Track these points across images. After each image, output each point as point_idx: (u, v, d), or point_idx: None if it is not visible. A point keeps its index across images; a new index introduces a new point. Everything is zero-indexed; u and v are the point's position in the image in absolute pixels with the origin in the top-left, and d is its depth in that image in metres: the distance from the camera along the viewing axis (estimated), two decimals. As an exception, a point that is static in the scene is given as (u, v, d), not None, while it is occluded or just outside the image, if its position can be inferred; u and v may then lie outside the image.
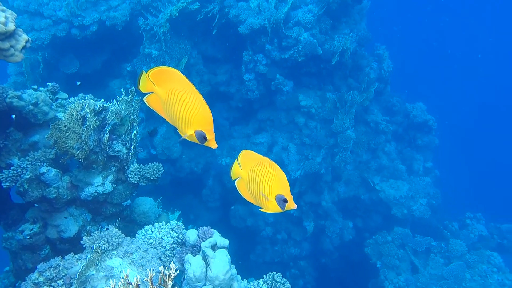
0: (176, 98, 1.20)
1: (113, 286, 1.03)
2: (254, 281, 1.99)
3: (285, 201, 1.31)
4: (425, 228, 5.68)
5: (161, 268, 1.11)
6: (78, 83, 3.70)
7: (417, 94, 7.89)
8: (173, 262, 1.98)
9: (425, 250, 5.15)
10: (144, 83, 1.25)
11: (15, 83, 4.95)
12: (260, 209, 1.40)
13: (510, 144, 13.79)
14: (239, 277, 1.89)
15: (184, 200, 5.98)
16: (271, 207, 1.35)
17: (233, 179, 1.45)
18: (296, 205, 1.33)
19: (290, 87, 5.50)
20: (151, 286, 1.04)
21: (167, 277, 1.05)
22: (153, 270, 1.56)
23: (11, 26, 1.70)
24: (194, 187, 5.89)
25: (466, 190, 10.01)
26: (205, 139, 1.23)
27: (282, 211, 1.34)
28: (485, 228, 5.50)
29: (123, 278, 1.03)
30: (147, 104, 1.28)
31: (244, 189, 1.42)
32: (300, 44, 5.01)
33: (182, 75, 1.21)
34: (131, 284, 1.05)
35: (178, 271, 1.14)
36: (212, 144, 1.26)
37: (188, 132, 1.23)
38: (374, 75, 5.91)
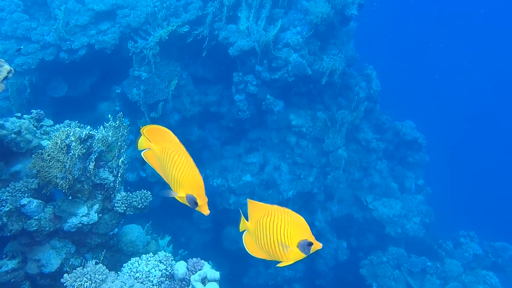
0: (169, 157, 1.21)
1: None
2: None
3: (310, 244, 1.19)
4: (420, 247, 5.63)
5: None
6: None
7: (406, 112, 8.00)
8: (160, 298, 1.89)
9: (420, 271, 5.08)
10: (142, 140, 1.28)
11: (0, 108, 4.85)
12: (278, 265, 1.24)
13: (501, 159, 14.01)
14: (230, 313, 1.80)
15: (175, 222, 5.85)
16: (292, 256, 1.20)
17: (240, 231, 1.34)
18: (321, 244, 1.22)
19: (281, 107, 5.52)
20: None
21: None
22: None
23: (-8, 56, 1.66)
24: (185, 209, 5.76)
25: (458, 207, 10.04)
26: (196, 204, 1.20)
27: (305, 256, 1.21)
28: (479, 247, 5.47)
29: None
30: (145, 160, 1.29)
31: (251, 244, 1.29)
32: (290, 65, 5.06)
33: (173, 135, 1.22)
34: None
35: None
36: (204, 209, 1.21)
37: (179, 194, 1.21)
38: (363, 94, 5.98)
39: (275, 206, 1.21)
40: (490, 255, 5.36)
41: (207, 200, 1.21)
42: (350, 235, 5.87)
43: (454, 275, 4.90)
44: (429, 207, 5.98)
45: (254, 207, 1.26)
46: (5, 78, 1.70)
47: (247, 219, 1.32)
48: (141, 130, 1.29)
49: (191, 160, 1.19)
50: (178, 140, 1.21)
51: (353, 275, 5.50)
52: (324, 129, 5.55)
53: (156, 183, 5.35)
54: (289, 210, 1.19)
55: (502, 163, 13.92)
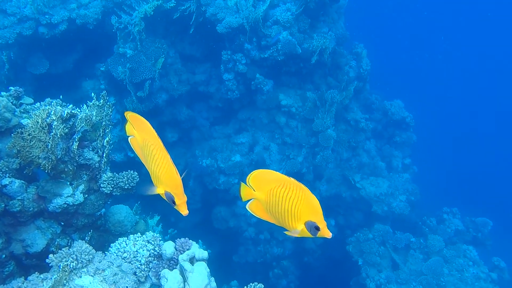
0: (148, 150, 1.19)
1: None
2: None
3: (317, 228, 1.17)
4: (405, 224, 5.79)
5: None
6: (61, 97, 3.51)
7: (395, 92, 8.03)
8: (149, 277, 1.89)
9: (404, 247, 5.25)
10: (128, 124, 1.28)
11: (-22, 85, 4.65)
12: (286, 232, 1.24)
13: (485, 138, 14.35)
14: (218, 290, 1.82)
15: (165, 202, 5.83)
16: (300, 232, 1.20)
17: (243, 200, 1.31)
18: (331, 234, 1.19)
19: (270, 87, 5.45)
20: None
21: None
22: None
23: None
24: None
25: (443, 185, 10.32)
26: (174, 203, 1.18)
27: (312, 236, 1.20)
28: (461, 222, 5.67)
29: None
30: (131, 145, 1.29)
31: (260, 211, 1.27)
32: (279, 43, 4.96)
33: (151, 127, 1.21)
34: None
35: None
36: (182, 209, 1.19)
37: (158, 190, 1.20)
38: (353, 74, 5.94)
39: (292, 179, 1.19)
40: (471, 230, 5.57)
41: (185, 199, 1.20)
42: (338, 214, 5.99)
43: (436, 250, 5.08)
44: (415, 185, 6.11)
45: (266, 176, 1.23)
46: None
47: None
48: (125, 114, 1.29)
49: (168, 156, 1.18)
50: (155, 133, 1.20)
51: (340, 252, 5.65)
52: (314, 109, 5.53)
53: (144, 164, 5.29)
54: (306, 189, 1.17)
55: (488, 141, 14.28)
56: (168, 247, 1.90)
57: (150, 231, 2.28)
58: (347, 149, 5.98)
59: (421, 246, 5.21)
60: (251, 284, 1.93)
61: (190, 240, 2.00)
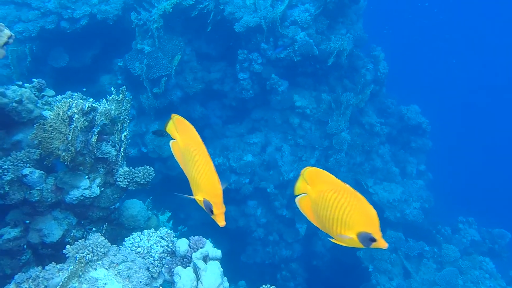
0: (190, 156, 1.15)
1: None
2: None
3: (373, 240, 1.10)
4: (418, 231, 5.68)
5: None
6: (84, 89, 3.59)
7: (412, 97, 7.89)
8: (162, 273, 1.89)
9: (417, 255, 5.14)
10: (170, 126, 1.24)
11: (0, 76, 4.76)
12: (331, 239, 1.18)
13: (504, 148, 13.96)
14: (231, 290, 1.81)
15: (175, 198, 5.87)
16: (349, 241, 1.13)
17: (295, 194, 1.25)
18: (387, 244, 1.12)
19: (285, 87, 5.42)
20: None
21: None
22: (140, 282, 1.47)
23: (-9, 20, 1.58)
24: (186, 185, 5.77)
25: (458, 193, 10.09)
26: (212, 212, 1.14)
27: (363, 247, 1.13)
28: (477, 233, 5.52)
29: None
30: (171, 148, 1.25)
31: (308, 209, 1.22)
32: (296, 44, 4.93)
33: (196, 133, 1.17)
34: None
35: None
36: (219, 219, 1.15)
37: (197, 196, 1.16)
38: (370, 77, 5.86)
39: (347, 186, 1.12)
40: (487, 241, 5.42)
41: (224, 210, 1.16)
42: (348, 218, 5.90)
43: (450, 260, 4.96)
44: (429, 193, 5.99)
45: (321, 175, 1.17)
46: (6, 43, 1.62)
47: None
48: (172, 117, 1.25)
49: (211, 164, 1.14)
50: (200, 139, 1.16)
51: (350, 257, 5.58)
52: (328, 111, 5.48)
53: (156, 159, 5.33)
54: (362, 197, 1.10)
55: (505, 152, 13.90)
56: (182, 244, 1.90)
57: (164, 228, 2.29)
58: (361, 153, 5.90)
59: (435, 255, 5.09)
60: (263, 286, 1.91)
61: (204, 239, 1.99)
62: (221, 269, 1.76)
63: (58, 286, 1.54)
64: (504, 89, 17.03)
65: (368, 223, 1.10)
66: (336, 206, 1.11)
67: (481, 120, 15.36)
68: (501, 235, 5.48)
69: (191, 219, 5.87)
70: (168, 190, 5.76)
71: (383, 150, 6.14)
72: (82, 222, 2.46)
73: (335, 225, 1.12)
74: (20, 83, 2.43)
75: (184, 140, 1.20)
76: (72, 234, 2.28)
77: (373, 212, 1.10)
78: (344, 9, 5.28)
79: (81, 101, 2.25)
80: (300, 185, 1.23)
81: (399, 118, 6.45)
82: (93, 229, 2.40)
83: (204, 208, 1.16)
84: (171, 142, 1.25)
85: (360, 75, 5.68)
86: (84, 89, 2.47)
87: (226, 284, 1.75)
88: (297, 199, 1.24)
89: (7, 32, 1.63)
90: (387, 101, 6.47)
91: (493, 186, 11.81)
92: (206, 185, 1.13)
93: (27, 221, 2.23)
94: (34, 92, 2.46)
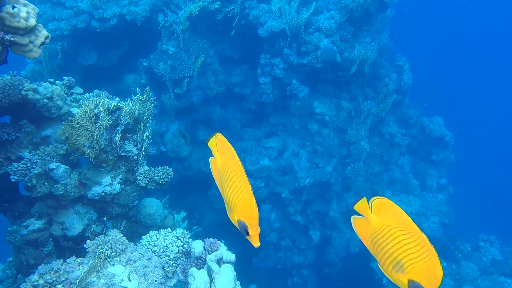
0: (228, 177, 1.19)
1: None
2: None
3: None
4: (436, 247, 5.50)
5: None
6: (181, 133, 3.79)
7: (436, 108, 7.68)
8: (176, 273, 1.93)
9: (433, 271, 4.98)
10: (212, 142, 1.28)
11: (32, 71, 4.98)
12: (379, 265, 1.15)
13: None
14: (243, 295, 1.82)
15: (190, 198, 5.95)
16: (398, 282, 1.09)
17: (354, 208, 1.23)
18: None
19: (306, 93, 5.40)
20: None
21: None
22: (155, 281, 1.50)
23: (32, 22, 1.66)
24: (201, 186, 5.86)
25: (481, 210, 9.72)
26: (247, 233, 1.15)
27: None
28: (499, 252, 5.31)
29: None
30: (210, 165, 1.29)
31: (363, 232, 1.19)
32: (319, 51, 4.91)
33: (236, 154, 1.20)
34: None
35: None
36: (254, 241, 1.15)
37: (232, 217, 1.19)
38: (392, 86, 5.76)
39: (423, 234, 1.07)
40: (510, 261, 5.20)
41: (259, 231, 1.17)
42: (363, 228, 5.81)
43: (469, 278, 4.78)
44: (450, 208, 5.81)
45: (392, 210, 1.13)
46: (42, 43, 1.71)
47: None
48: (215, 136, 1.29)
49: (249, 187, 1.16)
50: (239, 161, 1.19)
51: (363, 268, 5.48)
52: (348, 119, 5.42)
53: (174, 159, 5.42)
54: (435, 253, 1.04)
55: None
56: (197, 246, 1.93)
57: (180, 228, 2.33)
58: (379, 163, 5.81)
59: (453, 273, 4.92)
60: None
61: (219, 241, 2.01)
62: (235, 273, 1.78)
63: (78, 280, 1.59)
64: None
65: (428, 280, 1.05)
66: (401, 247, 1.07)
67: (508, 136, 14.77)
68: (525, 256, 5.25)
69: (205, 219, 5.92)
70: (184, 190, 5.86)
71: (402, 161, 6.02)
72: (102, 217, 2.53)
73: (390, 261, 1.09)
74: (52, 80, 2.54)
75: (223, 161, 1.23)
76: (92, 229, 2.35)
77: (439, 272, 1.04)
78: (370, 18, 5.21)
79: (108, 100, 2.33)
80: (361, 207, 1.21)
81: (420, 130, 6.31)
82: (105, 218, 2.46)
83: (238, 228, 1.18)
84: (210, 158, 1.29)
85: (382, 84, 5.60)
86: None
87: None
88: (353, 218, 1.23)
89: (44, 32, 1.71)
90: (409, 111, 6.34)
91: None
92: (243, 207, 1.15)
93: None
94: (64, 89, 2.56)
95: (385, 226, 1.12)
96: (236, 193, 1.16)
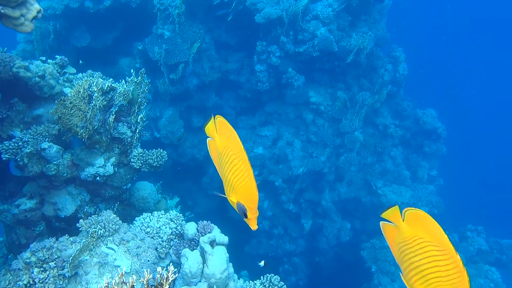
0: (229, 159, 1.17)
1: (107, 283, 0.97)
2: (250, 281, 1.94)
3: None
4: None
5: (159, 269, 1.04)
6: (80, 62, 3.62)
7: (430, 100, 7.74)
8: (169, 254, 1.94)
9: (421, 260, 5.09)
10: (210, 126, 1.25)
11: (23, 51, 4.86)
12: (401, 274, 1.14)
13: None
14: (235, 276, 1.84)
15: (184, 185, 5.94)
16: None
17: (383, 216, 1.20)
18: None
19: (301, 82, 5.39)
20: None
21: (165, 280, 0.99)
22: (149, 270, 1.51)
23: (22, -6, 1.61)
24: (195, 173, 5.85)
25: (470, 201, 9.91)
26: (246, 216, 1.15)
27: None
28: (485, 242, 5.44)
29: (118, 276, 0.98)
30: (208, 147, 1.26)
31: (391, 238, 1.17)
32: (316, 39, 4.88)
33: (238, 138, 1.18)
34: (126, 284, 0.99)
35: (176, 275, 1.08)
36: (252, 224, 1.16)
37: (231, 198, 1.17)
38: (388, 77, 5.77)
39: (456, 254, 1.03)
40: (495, 251, 5.34)
41: (257, 214, 1.18)
42: (355, 218, 5.89)
43: (455, 267, 4.88)
44: (439, 199, 5.91)
45: (427, 224, 1.10)
46: (34, 17, 1.66)
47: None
48: (215, 117, 1.27)
49: (251, 170, 1.15)
50: (241, 145, 1.18)
51: (353, 256, 5.58)
52: (343, 110, 5.43)
53: (168, 145, 5.39)
54: (466, 277, 1.01)
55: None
56: (191, 228, 1.94)
57: (173, 210, 2.33)
58: (372, 154, 5.85)
59: (439, 262, 5.02)
60: (267, 274, 1.94)
61: (212, 224, 2.02)
62: (227, 255, 1.79)
63: (71, 258, 1.59)
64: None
65: None
66: (430, 262, 1.05)
67: (499, 130, 14.99)
68: (510, 246, 5.38)
69: (198, 206, 5.93)
70: (178, 176, 5.85)
71: (395, 152, 6.07)
72: (95, 199, 2.52)
73: (414, 273, 1.07)
74: (44, 58, 2.49)
75: (224, 143, 1.21)
76: (85, 210, 2.34)
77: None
78: (368, 7, 5.18)
79: (102, 80, 2.29)
80: (392, 214, 1.18)
81: (414, 121, 6.36)
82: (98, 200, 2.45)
83: (236, 210, 1.18)
84: (208, 140, 1.27)
85: (378, 75, 5.60)
86: (80, 62, 2.51)
87: (231, 269, 1.78)
88: (382, 223, 1.20)
89: (36, 6, 1.67)
90: (403, 103, 6.37)
91: (505, 197, 11.57)
92: (244, 190, 1.15)
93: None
94: (56, 69, 2.51)
95: (417, 237, 1.10)
96: (237, 176, 1.15)
